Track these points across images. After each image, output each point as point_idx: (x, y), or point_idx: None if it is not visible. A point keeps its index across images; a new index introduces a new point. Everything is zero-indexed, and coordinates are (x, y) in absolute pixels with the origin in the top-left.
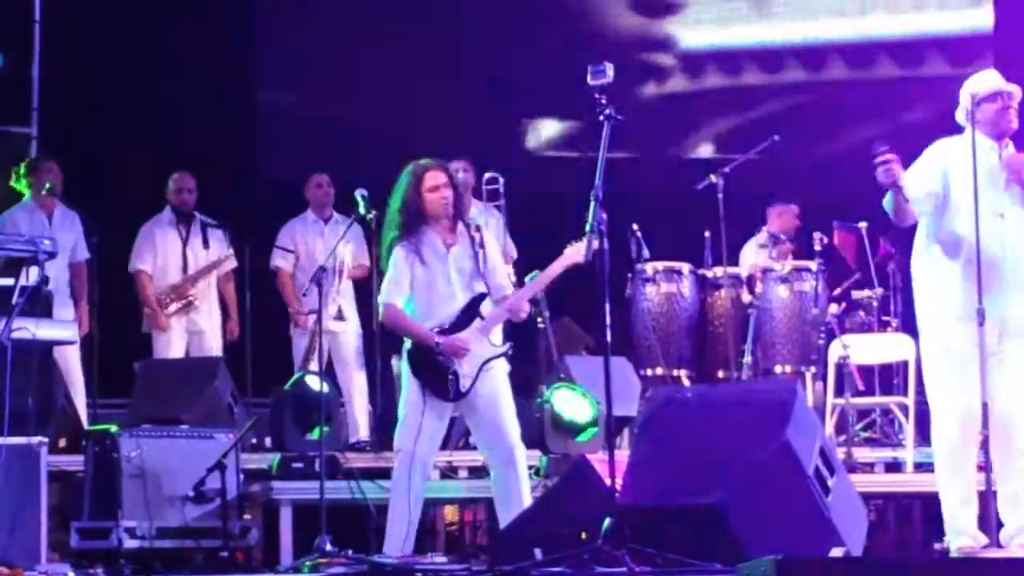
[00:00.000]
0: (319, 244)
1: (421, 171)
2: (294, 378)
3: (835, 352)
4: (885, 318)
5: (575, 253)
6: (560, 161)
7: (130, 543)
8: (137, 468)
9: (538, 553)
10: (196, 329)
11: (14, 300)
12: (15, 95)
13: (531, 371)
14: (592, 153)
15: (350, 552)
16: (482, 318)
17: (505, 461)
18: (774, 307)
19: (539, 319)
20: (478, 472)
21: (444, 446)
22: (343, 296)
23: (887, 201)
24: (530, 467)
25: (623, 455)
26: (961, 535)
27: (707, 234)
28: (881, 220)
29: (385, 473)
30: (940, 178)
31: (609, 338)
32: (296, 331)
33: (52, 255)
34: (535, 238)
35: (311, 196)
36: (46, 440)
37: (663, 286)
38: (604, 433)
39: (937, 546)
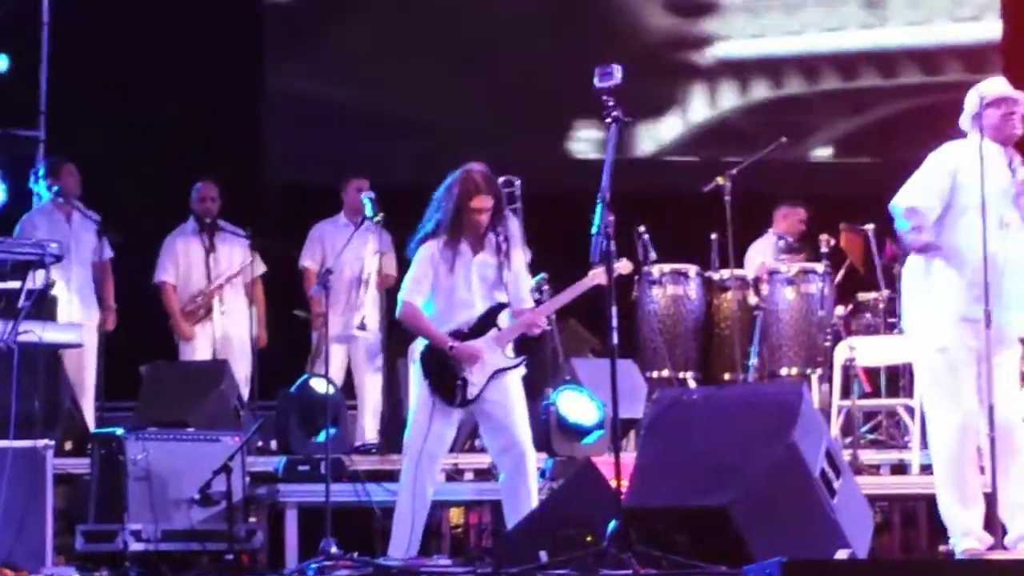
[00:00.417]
0: (348, 247)
1: (473, 190)
2: (299, 381)
3: (841, 354)
4: (891, 320)
5: (599, 277)
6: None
7: (136, 546)
8: (143, 471)
9: (543, 556)
10: (223, 335)
11: (20, 303)
12: (23, 98)
13: (537, 373)
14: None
15: (355, 555)
16: (499, 328)
17: (516, 466)
18: (780, 309)
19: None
20: (484, 474)
21: (451, 448)
22: (367, 306)
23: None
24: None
25: (629, 457)
26: (966, 537)
27: (714, 236)
28: (889, 222)
29: (391, 476)
30: (948, 185)
31: (615, 340)
32: (315, 333)
33: (58, 258)
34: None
35: (350, 198)
36: (52, 443)
37: (670, 288)
38: (610, 435)
39: (942, 548)
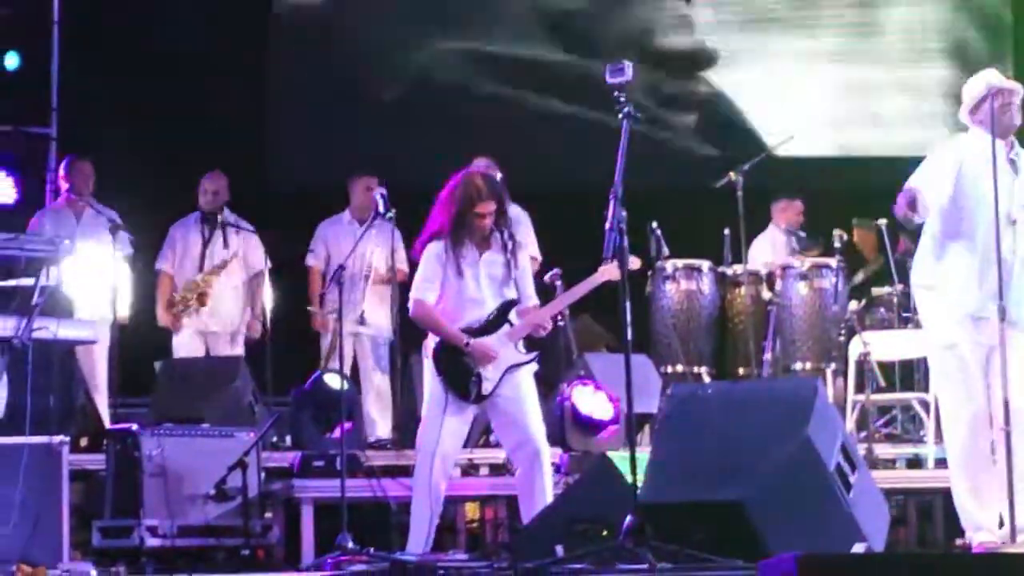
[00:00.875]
0: (351, 245)
1: (476, 196)
2: (314, 377)
3: (855, 349)
4: (905, 314)
5: (608, 272)
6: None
7: (152, 541)
8: (158, 467)
9: (559, 550)
10: (213, 329)
11: (34, 300)
12: (34, 95)
13: (551, 369)
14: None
15: (371, 550)
16: (511, 324)
17: (531, 461)
18: (794, 304)
19: (559, 317)
20: (499, 469)
21: (465, 443)
22: (367, 301)
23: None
24: (552, 465)
25: (644, 452)
26: (981, 530)
27: (726, 231)
28: None
29: (406, 471)
30: (954, 176)
31: (629, 335)
32: (322, 331)
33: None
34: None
35: (357, 196)
36: (67, 439)
37: (683, 283)
38: (625, 430)
39: (959, 542)
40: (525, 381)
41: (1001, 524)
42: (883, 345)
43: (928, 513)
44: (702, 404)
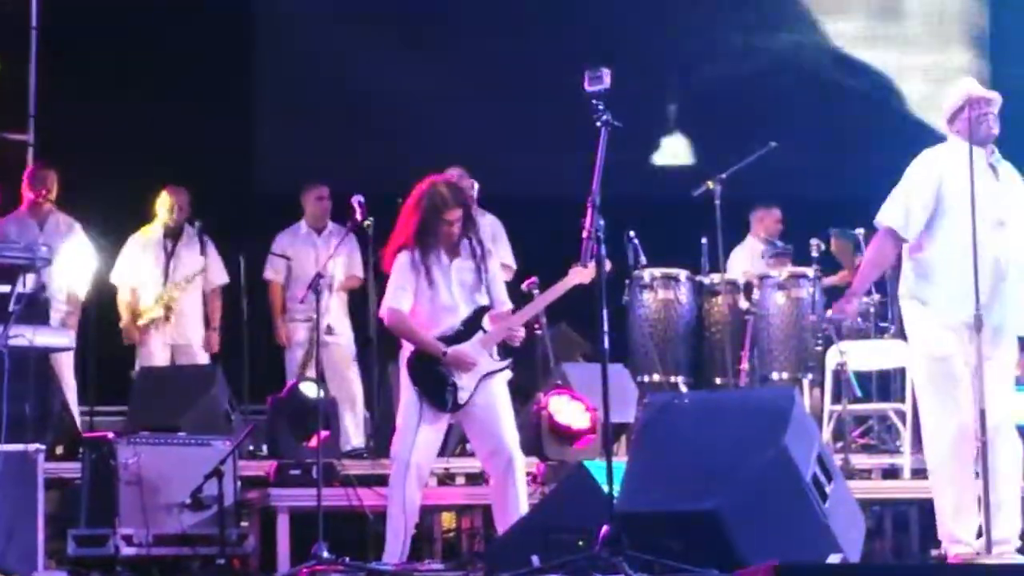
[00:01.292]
0: (312, 255)
1: (441, 204)
2: (290, 385)
3: (832, 358)
4: (883, 324)
5: (579, 275)
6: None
7: (127, 550)
8: (134, 475)
9: (535, 560)
10: (178, 343)
11: (11, 307)
12: (12, 102)
13: (528, 378)
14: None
15: (347, 559)
16: (484, 331)
17: (504, 470)
18: (771, 314)
19: (536, 326)
20: (475, 479)
21: (441, 452)
22: (332, 311)
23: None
24: (528, 474)
25: (621, 462)
26: (957, 542)
27: (704, 240)
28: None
29: (382, 480)
30: (933, 194)
31: (606, 344)
32: (287, 343)
33: (48, 262)
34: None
35: (310, 207)
36: (43, 447)
37: (660, 293)
38: (602, 440)
39: (934, 553)
40: (499, 389)
41: (979, 535)
42: (860, 355)
43: (904, 524)
44: (679, 413)
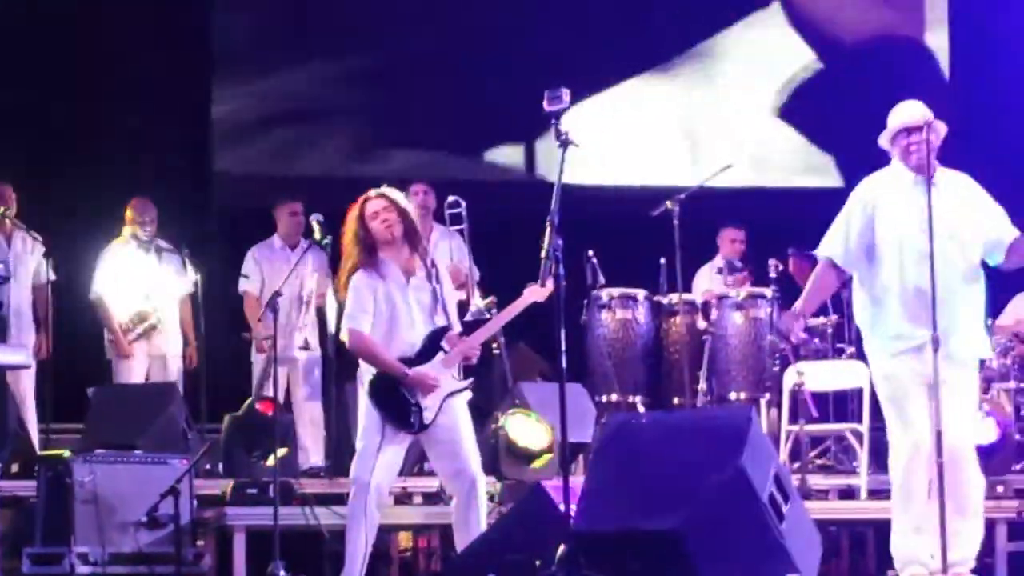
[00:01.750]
0: (284, 270)
1: (362, 202)
2: (247, 404)
3: (790, 379)
4: (840, 345)
5: (534, 294)
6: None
7: (82, 569)
8: (90, 493)
9: None
10: (159, 354)
11: None
12: None
13: (486, 397)
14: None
15: None
16: (445, 352)
17: (467, 491)
18: (729, 334)
19: (494, 345)
20: (432, 499)
21: (399, 472)
22: (309, 326)
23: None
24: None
25: (578, 481)
26: (912, 564)
27: (662, 261)
28: None
29: (339, 499)
30: (863, 224)
31: (564, 364)
32: (258, 356)
33: (5, 279)
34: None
35: (283, 222)
36: None
37: (618, 312)
38: (559, 459)
39: (890, 573)
40: (460, 410)
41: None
42: (817, 375)
43: (861, 544)
44: (636, 433)
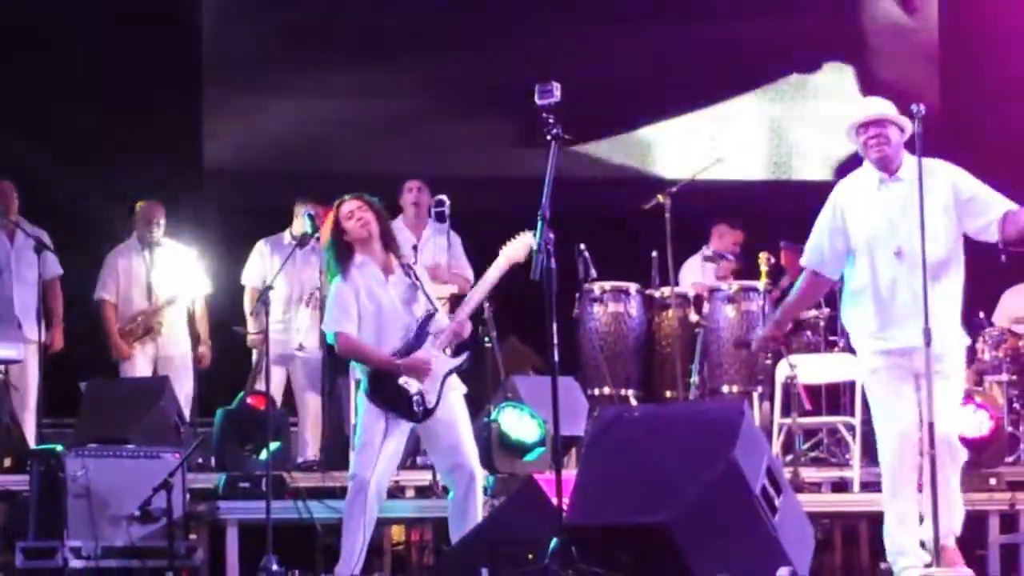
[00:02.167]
0: (292, 267)
1: (336, 206)
2: (238, 397)
3: (782, 372)
4: (832, 338)
5: (513, 253)
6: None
7: (75, 563)
8: (83, 487)
9: (484, 573)
10: (164, 355)
11: None
12: None
13: (478, 391)
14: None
15: (296, 572)
16: (433, 336)
17: (466, 485)
18: (721, 327)
19: (486, 339)
20: (425, 492)
21: None
22: (304, 328)
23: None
24: None
25: (570, 475)
26: (903, 555)
27: (654, 254)
28: None
29: (332, 493)
30: (837, 227)
31: (556, 358)
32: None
33: None
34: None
35: (298, 220)
36: None
37: (611, 306)
38: (551, 453)
39: (883, 566)
40: (458, 405)
41: (924, 546)
42: (809, 368)
43: (853, 537)
44: (629, 426)
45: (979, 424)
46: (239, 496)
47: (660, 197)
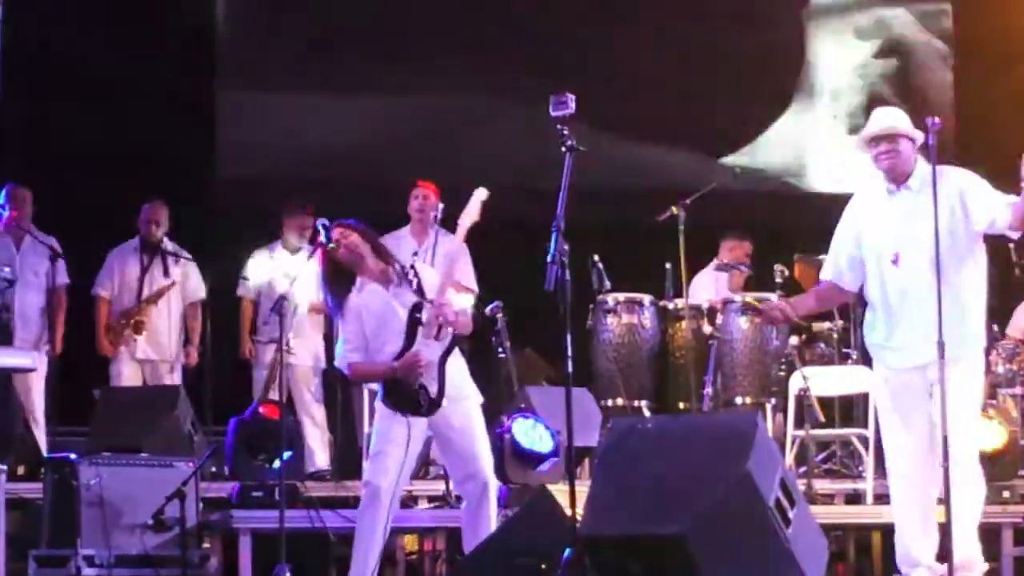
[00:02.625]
0: (284, 274)
1: (326, 245)
2: (251, 407)
3: (795, 384)
4: (845, 350)
5: (468, 218)
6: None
7: (88, 571)
8: (96, 496)
9: None
10: (148, 358)
11: None
12: None
13: (492, 401)
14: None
15: None
16: (422, 324)
17: (480, 494)
18: (735, 339)
19: (500, 349)
20: (438, 501)
21: None
22: (294, 331)
23: None
24: None
25: (584, 486)
26: (917, 567)
27: (668, 265)
28: None
29: (345, 502)
30: (852, 237)
31: (570, 369)
32: (253, 361)
33: (11, 283)
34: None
35: (293, 227)
36: (4, 467)
37: (624, 317)
38: (565, 463)
39: None
40: (475, 415)
41: (940, 559)
42: (823, 380)
43: (867, 548)
44: (642, 438)
45: (993, 436)
46: (252, 505)
47: (674, 208)
